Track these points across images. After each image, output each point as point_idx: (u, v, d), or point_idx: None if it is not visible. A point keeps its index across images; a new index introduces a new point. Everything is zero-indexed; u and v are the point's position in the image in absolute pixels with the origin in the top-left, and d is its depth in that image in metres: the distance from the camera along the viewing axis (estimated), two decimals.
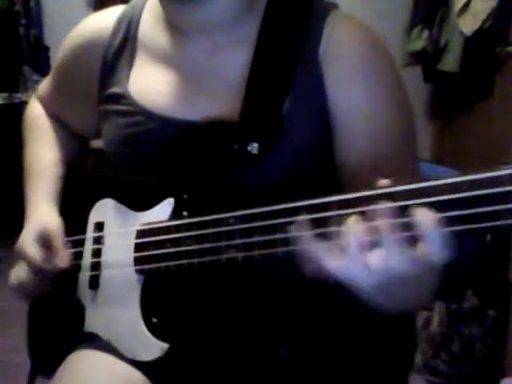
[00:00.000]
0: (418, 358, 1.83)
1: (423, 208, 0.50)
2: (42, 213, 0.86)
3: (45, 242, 0.83)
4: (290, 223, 0.58)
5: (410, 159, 0.75)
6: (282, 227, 0.59)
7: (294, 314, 0.78)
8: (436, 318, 1.84)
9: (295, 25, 0.75)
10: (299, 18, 0.75)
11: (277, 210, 0.60)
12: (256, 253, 0.62)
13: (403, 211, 0.51)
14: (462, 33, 2.33)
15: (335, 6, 0.78)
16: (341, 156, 0.74)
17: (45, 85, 0.99)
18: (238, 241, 0.63)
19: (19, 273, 0.82)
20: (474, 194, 0.47)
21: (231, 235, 0.64)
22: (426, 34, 2.55)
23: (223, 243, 0.65)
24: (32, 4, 3.40)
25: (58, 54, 0.93)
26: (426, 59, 2.60)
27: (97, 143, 0.97)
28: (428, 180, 0.51)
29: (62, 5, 3.31)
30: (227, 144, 0.71)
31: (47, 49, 3.48)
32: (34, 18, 3.42)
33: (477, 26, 2.25)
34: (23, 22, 3.40)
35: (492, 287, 1.78)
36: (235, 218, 0.64)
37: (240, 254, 0.63)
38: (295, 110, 0.73)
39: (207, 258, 0.67)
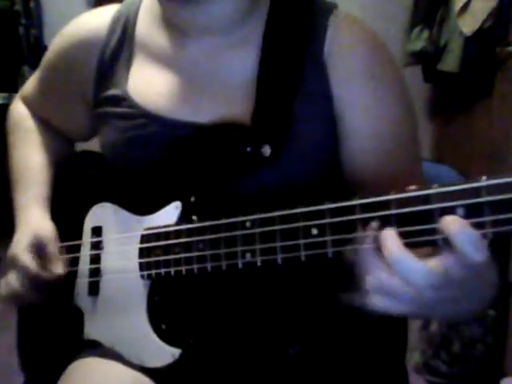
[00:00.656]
0: (418, 358, 1.83)
1: (449, 215, 0.49)
2: (34, 219, 0.84)
3: (38, 248, 0.80)
4: (314, 226, 0.57)
5: (414, 159, 0.76)
6: (306, 230, 0.58)
7: (302, 315, 0.77)
8: None
9: (299, 25, 0.74)
10: (303, 18, 0.75)
11: (300, 213, 0.59)
12: (279, 257, 0.60)
13: (436, 215, 0.50)
14: (461, 33, 2.32)
15: (335, 5, 0.78)
16: (346, 156, 0.74)
17: (30, 85, 0.96)
18: (258, 245, 0.62)
19: (12, 281, 0.79)
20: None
21: (249, 239, 0.62)
22: (426, 34, 2.54)
23: (239, 248, 0.63)
24: (32, 4, 3.40)
25: (47, 53, 0.90)
26: (426, 59, 2.59)
27: (87, 145, 0.94)
28: (457, 184, 0.49)
29: (62, 5, 3.31)
30: (239, 146, 0.70)
31: (47, 49, 3.47)
32: (34, 18, 3.42)
33: (477, 26, 2.24)
34: (23, 21, 3.40)
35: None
36: (253, 221, 0.62)
37: (259, 259, 0.62)
38: (304, 111, 0.72)
39: (222, 263, 0.65)
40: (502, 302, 1.75)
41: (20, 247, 0.80)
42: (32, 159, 0.91)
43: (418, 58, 2.61)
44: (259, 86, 0.73)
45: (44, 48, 3.46)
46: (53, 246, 0.81)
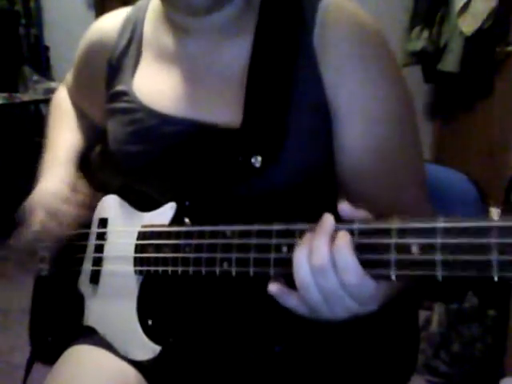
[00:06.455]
0: (418, 358, 1.83)
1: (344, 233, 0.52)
2: (54, 175, 0.89)
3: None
4: (285, 245, 0.58)
5: (412, 145, 0.73)
6: (278, 248, 0.59)
7: (287, 314, 0.78)
8: (436, 318, 1.84)
9: (289, 17, 0.74)
10: (292, 8, 0.74)
11: (275, 230, 0.59)
12: (251, 270, 0.61)
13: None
14: (461, 33, 2.33)
15: None
16: (340, 145, 0.72)
17: (70, 73, 1.03)
18: (234, 256, 0.62)
19: (37, 218, 0.83)
20: None
21: (228, 249, 0.63)
22: (425, 34, 2.55)
23: (218, 255, 0.64)
24: (32, 4, 3.40)
25: (77, 50, 0.97)
26: (426, 59, 2.60)
27: None
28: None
29: (62, 5, 3.31)
30: (231, 154, 0.71)
31: (47, 49, 3.48)
32: (34, 18, 3.42)
33: (477, 26, 2.25)
34: (23, 22, 3.40)
35: (492, 287, 1.78)
36: (232, 231, 0.63)
37: (234, 269, 0.63)
38: (299, 108, 0.71)
39: (202, 268, 0.66)
40: (502, 302, 1.75)
41: (42, 190, 0.86)
42: (62, 138, 0.97)
43: (418, 57, 2.61)
44: (249, 88, 0.72)
45: (44, 48, 3.47)
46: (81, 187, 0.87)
